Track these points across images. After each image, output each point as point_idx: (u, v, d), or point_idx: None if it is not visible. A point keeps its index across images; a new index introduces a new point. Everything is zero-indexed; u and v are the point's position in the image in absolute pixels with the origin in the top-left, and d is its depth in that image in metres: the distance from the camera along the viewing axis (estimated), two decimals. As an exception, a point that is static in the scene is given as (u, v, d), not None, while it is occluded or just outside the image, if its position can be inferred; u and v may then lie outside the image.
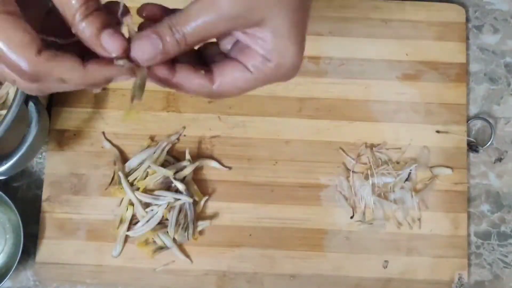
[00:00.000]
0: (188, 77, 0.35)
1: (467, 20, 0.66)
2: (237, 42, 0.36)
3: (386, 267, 0.59)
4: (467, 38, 0.65)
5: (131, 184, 0.59)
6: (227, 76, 0.35)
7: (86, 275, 0.59)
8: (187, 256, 0.59)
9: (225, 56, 0.37)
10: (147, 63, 0.33)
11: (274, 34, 0.34)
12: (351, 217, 0.60)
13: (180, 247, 0.59)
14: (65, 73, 0.32)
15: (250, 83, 0.36)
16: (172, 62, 0.35)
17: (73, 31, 0.32)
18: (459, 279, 0.59)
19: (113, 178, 0.60)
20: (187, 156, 0.60)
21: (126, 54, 0.33)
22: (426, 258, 0.60)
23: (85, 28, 0.32)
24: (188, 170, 0.59)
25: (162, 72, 0.34)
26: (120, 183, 0.58)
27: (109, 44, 0.32)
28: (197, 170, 0.61)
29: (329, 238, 0.60)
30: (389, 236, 0.60)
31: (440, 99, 0.63)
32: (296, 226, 0.60)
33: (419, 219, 0.60)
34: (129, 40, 0.33)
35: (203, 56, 0.38)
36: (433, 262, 0.59)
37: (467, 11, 0.66)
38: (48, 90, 0.34)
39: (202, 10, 0.32)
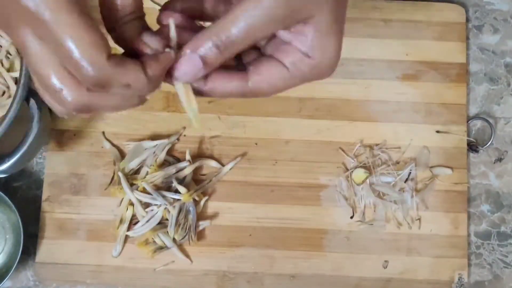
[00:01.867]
0: (222, 81, 0.33)
1: (467, 20, 0.66)
2: (273, 37, 0.34)
3: (386, 267, 0.59)
4: (467, 38, 0.65)
5: (131, 184, 0.59)
6: (262, 74, 0.33)
7: (86, 275, 0.59)
8: (187, 256, 0.59)
9: (259, 53, 0.35)
10: (189, 81, 0.32)
11: (317, 30, 0.32)
12: (351, 217, 0.60)
13: (180, 247, 0.59)
14: (131, 79, 0.30)
15: (287, 81, 0.34)
16: None
17: (115, 31, 0.32)
18: (459, 279, 0.59)
19: (112, 178, 0.60)
20: (187, 156, 0.60)
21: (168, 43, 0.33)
22: (426, 258, 0.60)
23: (127, 28, 0.32)
24: (188, 170, 0.59)
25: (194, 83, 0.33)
26: (119, 183, 0.58)
27: (151, 40, 0.32)
28: (197, 170, 0.61)
29: (329, 238, 0.60)
30: (389, 236, 0.60)
31: (440, 99, 0.63)
32: (296, 226, 0.60)
33: (419, 219, 0.60)
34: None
35: None
36: (433, 262, 0.59)
37: (467, 11, 0.66)
38: (94, 105, 0.32)
39: (246, 13, 0.30)
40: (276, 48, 0.34)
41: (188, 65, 0.32)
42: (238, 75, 0.33)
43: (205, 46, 0.31)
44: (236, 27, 0.31)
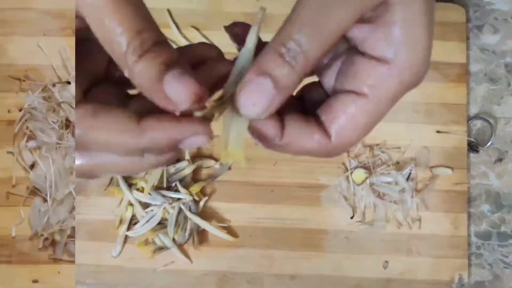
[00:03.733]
0: (301, 135, 0.26)
1: (468, 20, 0.66)
2: (340, 69, 0.28)
3: (386, 267, 0.59)
4: (467, 38, 0.65)
5: (130, 184, 0.59)
6: (341, 119, 0.26)
7: (86, 275, 0.59)
8: (187, 256, 0.59)
9: (329, 96, 0.28)
10: (259, 118, 0.25)
11: (405, 18, 0.25)
12: (351, 217, 0.60)
13: (180, 247, 0.59)
14: (111, 134, 0.23)
15: (373, 113, 0.27)
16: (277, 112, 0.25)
17: (127, 75, 0.24)
18: (459, 280, 0.59)
19: (112, 178, 0.60)
20: (187, 156, 0.60)
21: (202, 103, 0.25)
22: (426, 258, 0.59)
23: (141, 72, 0.23)
24: (188, 170, 0.59)
25: (269, 128, 0.26)
26: (119, 183, 0.58)
27: (174, 91, 0.23)
28: (197, 170, 0.60)
29: (329, 238, 0.60)
30: (389, 236, 0.60)
31: (441, 99, 0.63)
32: (296, 226, 0.60)
33: (419, 219, 0.60)
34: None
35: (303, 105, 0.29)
36: (433, 263, 0.59)
37: (467, 11, 0.66)
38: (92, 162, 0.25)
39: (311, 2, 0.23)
40: (346, 76, 0.27)
41: (256, 92, 0.24)
42: (320, 128, 0.26)
43: (271, 63, 0.24)
44: (301, 26, 0.23)
